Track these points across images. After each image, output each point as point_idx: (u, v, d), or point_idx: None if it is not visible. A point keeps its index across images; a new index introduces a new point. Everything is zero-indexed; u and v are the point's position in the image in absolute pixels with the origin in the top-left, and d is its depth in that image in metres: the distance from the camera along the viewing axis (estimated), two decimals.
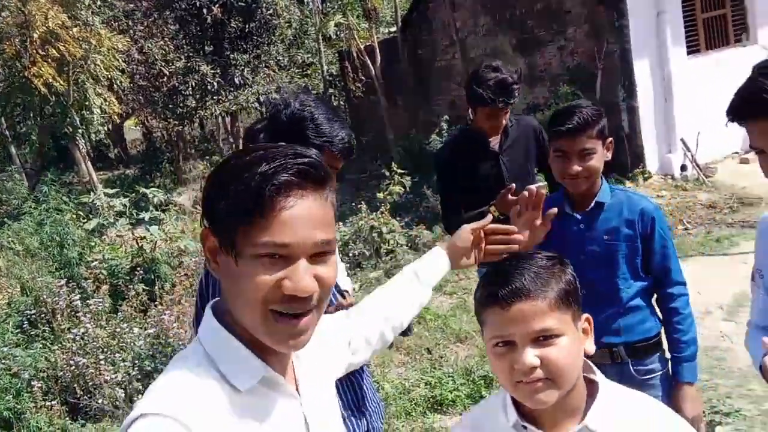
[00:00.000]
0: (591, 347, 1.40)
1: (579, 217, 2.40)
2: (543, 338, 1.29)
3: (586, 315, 1.41)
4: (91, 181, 13.09)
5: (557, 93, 9.35)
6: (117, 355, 5.47)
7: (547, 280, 1.32)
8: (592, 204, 2.37)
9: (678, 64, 9.04)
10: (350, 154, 2.15)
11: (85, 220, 8.40)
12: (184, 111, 15.39)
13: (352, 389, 2.25)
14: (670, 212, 7.77)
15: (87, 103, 12.14)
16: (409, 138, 11.92)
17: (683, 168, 8.97)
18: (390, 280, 1.76)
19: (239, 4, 14.41)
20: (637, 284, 2.38)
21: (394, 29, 14.54)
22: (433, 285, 1.75)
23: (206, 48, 15.06)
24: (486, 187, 3.35)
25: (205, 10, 14.28)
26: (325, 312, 1.74)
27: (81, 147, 13.07)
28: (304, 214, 1.05)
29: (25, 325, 6.21)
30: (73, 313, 6.02)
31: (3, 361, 5.37)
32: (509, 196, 3.00)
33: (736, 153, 9.53)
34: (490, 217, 2.00)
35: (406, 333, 2.14)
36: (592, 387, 1.39)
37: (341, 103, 15.89)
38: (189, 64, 14.44)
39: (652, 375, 2.41)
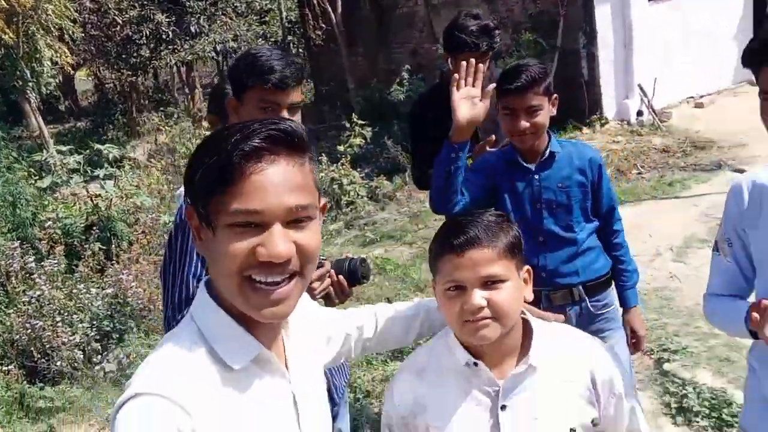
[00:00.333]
0: (530, 294, 1.56)
1: (533, 168, 2.50)
2: (490, 282, 1.45)
3: (527, 267, 1.57)
4: (42, 136, 12.71)
5: (519, 41, 9.28)
6: (74, 316, 5.42)
7: (496, 232, 1.48)
8: (546, 154, 2.48)
9: (639, 10, 9.04)
10: (281, 87, 2.07)
11: (38, 178, 8.20)
12: (138, 61, 14.96)
13: None
14: (625, 157, 7.87)
15: (38, 55, 11.70)
16: (370, 87, 11.76)
17: (639, 113, 9.06)
18: (396, 306, 1.71)
19: None
20: (589, 226, 2.54)
21: None
22: (432, 328, 1.69)
23: None
24: None
25: None
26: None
27: (32, 101, 12.65)
28: (275, 180, 1.04)
29: None
30: (27, 275, 5.90)
31: None
32: (488, 148, 3.01)
33: (692, 98, 9.64)
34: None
35: (362, 281, 2.12)
36: (527, 328, 1.56)
37: (300, 51, 15.58)
38: (143, 13, 13.97)
39: (609, 308, 2.60)
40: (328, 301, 2.15)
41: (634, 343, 2.66)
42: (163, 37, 14.00)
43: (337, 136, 9.66)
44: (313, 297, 2.04)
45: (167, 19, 13.80)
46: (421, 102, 3.74)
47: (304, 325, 1.32)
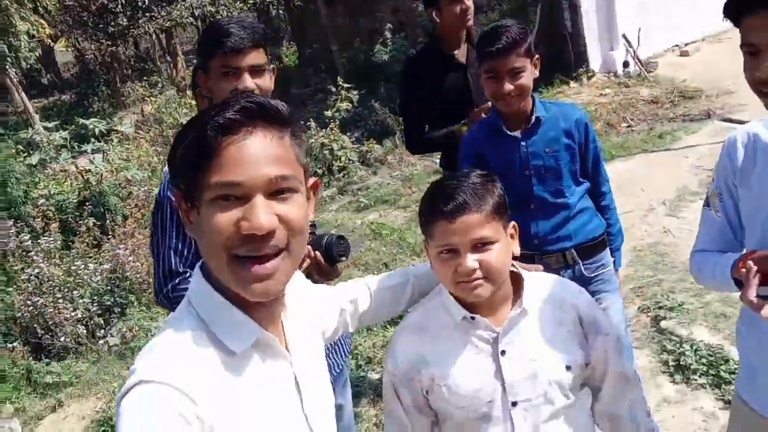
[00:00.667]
0: (517, 250, 1.63)
1: (519, 135, 2.45)
2: (481, 245, 1.51)
3: (512, 222, 1.62)
4: (26, 111, 12.58)
5: None
6: (75, 292, 5.46)
7: (483, 195, 1.53)
8: (532, 120, 2.43)
9: None
10: (237, 49, 2.05)
11: (26, 155, 8.14)
12: (116, 30, 14.69)
13: None
14: (614, 110, 7.89)
15: (13, 29, 11.49)
16: (354, 48, 11.64)
17: (625, 65, 9.03)
18: (383, 277, 1.74)
19: None
20: (579, 189, 2.52)
21: None
22: (422, 294, 1.73)
23: None
24: (452, 101, 3.25)
25: None
26: None
27: (11, 76, 12.46)
28: (253, 151, 1.03)
29: None
30: (24, 253, 5.92)
31: None
32: (483, 115, 2.95)
33: (677, 46, 9.62)
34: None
35: (339, 259, 2.06)
36: (517, 278, 1.65)
37: (280, 12, 15.35)
38: None
39: (604, 270, 2.57)
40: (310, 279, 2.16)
41: None
42: (140, 4, 13.74)
43: (324, 100, 9.60)
44: None
45: None
46: (410, 63, 3.67)
47: (301, 304, 1.31)
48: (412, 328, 1.66)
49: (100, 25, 14.71)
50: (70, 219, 6.71)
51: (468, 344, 1.59)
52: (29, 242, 5.95)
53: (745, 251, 1.67)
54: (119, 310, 5.47)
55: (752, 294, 1.43)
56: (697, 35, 9.66)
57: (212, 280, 1.13)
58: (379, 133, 8.43)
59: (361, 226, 6.39)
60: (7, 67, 11.93)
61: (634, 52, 9.00)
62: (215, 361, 1.08)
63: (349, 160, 7.75)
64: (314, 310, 1.41)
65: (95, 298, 5.45)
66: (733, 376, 3.20)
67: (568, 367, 1.59)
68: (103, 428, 4.26)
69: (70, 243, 6.23)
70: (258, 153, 1.04)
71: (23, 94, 12.92)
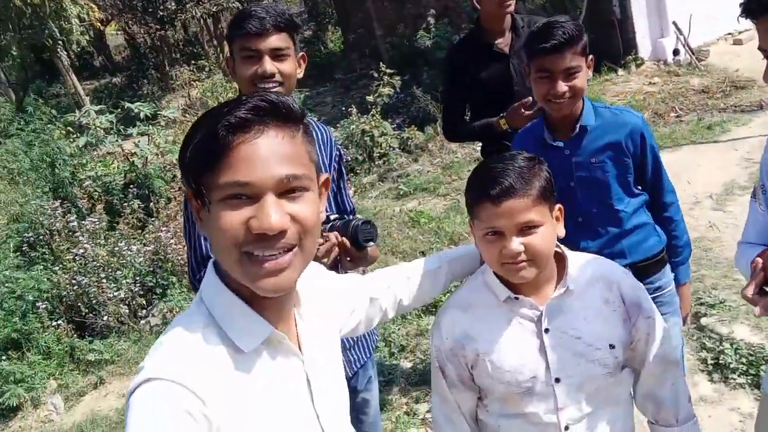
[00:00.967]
0: (562, 231, 1.64)
1: (562, 144, 2.30)
2: (526, 228, 1.53)
3: (558, 205, 1.63)
4: (77, 93, 12.87)
5: None
6: (118, 272, 5.59)
7: (529, 179, 1.54)
8: (576, 129, 2.28)
9: None
10: (260, 33, 2.05)
11: (75, 137, 8.33)
12: (165, 15, 14.90)
13: None
14: (663, 99, 7.69)
15: (64, 12, 11.75)
16: (398, 34, 11.56)
17: (676, 52, 8.78)
18: (418, 263, 1.75)
19: None
20: (633, 202, 2.34)
21: None
22: (455, 278, 1.78)
23: None
24: (494, 91, 3.22)
25: None
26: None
27: (63, 59, 12.76)
28: (264, 151, 1.03)
29: (24, 248, 6.30)
30: (70, 233, 6.08)
31: (6, 285, 5.48)
32: (522, 111, 2.96)
33: (729, 34, 9.30)
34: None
35: (364, 245, 2.00)
36: (560, 257, 1.67)
37: None
38: None
39: (663, 291, 2.40)
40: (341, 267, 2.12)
41: None
42: None
43: (367, 85, 9.57)
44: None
45: None
46: (452, 51, 3.65)
47: (316, 300, 1.31)
48: (457, 305, 1.71)
49: (149, 9, 14.93)
50: (115, 201, 6.86)
51: (512, 321, 1.63)
52: (75, 223, 6.09)
53: None
54: (161, 291, 5.58)
55: (749, 291, 1.51)
56: (752, 23, 9.29)
57: (224, 277, 1.13)
58: (420, 120, 8.38)
59: (400, 214, 6.37)
60: (59, 49, 12.23)
61: (685, 39, 8.74)
62: (224, 358, 1.09)
63: (390, 146, 7.72)
64: (330, 305, 1.40)
65: (138, 278, 5.57)
66: None
67: (611, 346, 1.61)
68: None
69: (115, 224, 6.36)
70: (269, 152, 1.03)
71: (74, 77, 13.21)
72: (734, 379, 3.27)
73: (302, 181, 1.07)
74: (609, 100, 7.46)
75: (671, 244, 2.43)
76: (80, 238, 5.87)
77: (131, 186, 6.97)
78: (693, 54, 8.68)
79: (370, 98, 8.24)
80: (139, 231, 6.32)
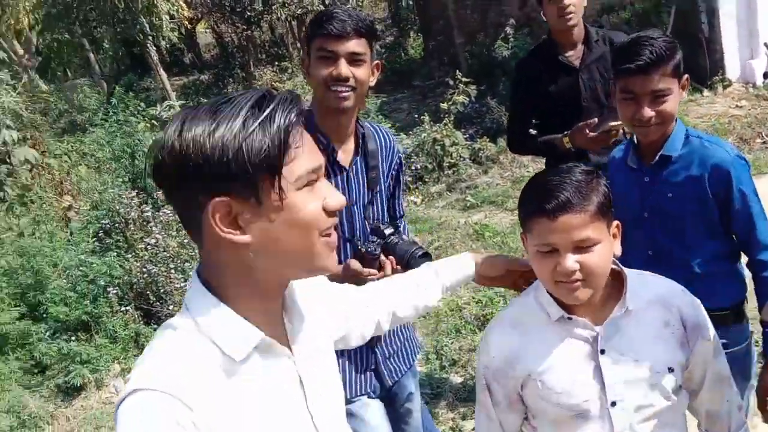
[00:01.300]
0: (618, 249, 1.56)
1: (643, 170, 2.15)
2: (583, 245, 1.46)
3: (616, 222, 1.55)
4: (164, 88, 13.33)
5: None
6: (186, 264, 5.74)
7: (587, 193, 1.46)
8: (657, 157, 2.10)
9: None
10: (340, 35, 2.06)
11: (157, 130, 8.63)
12: (252, 15, 15.26)
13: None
14: (749, 124, 7.34)
15: (155, 9, 12.20)
16: (478, 43, 11.47)
17: (766, 75, 8.36)
18: (410, 274, 1.76)
19: None
20: (713, 246, 2.13)
21: None
22: (449, 289, 1.75)
23: None
24: (561, 105, 3.16)
25: None
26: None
27: (153, 54, 13.24)
28: (310, 141, 1.13)
29: (101, 234, 6.57)
30: (145, 223, 6.29)
31: (80, 268, 5.73)
32: (587, 131, 2.89)
33: None
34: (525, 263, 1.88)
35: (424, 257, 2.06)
36: (618, 275, 1.59)
37: (409, 3, 15.36)
38: None
39: (732, 350, 2.07)
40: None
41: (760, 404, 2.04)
42: None
43: (443, 94, 9.53)
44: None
45: None
46: (521, 62, 3.60)
47: (309, 303, 1.30)
48: (506, 323, 1.67)
49: (237, 9, 15.31)
50: None
51: (565, 342, 1.57)
52: (150, 213, 6.31)
53: None
54: None
55: None
56: None
57: (210, 287, 1.13)
58: (494, 131, 8.27)
59: (465, 226, 6.32)
60: (149, 44, 12.71)
61: None
62: (214, 366, 1.09)
63: (461, 157, 7.66)
64: (321, 307, 1.39)
65: None
66: None
67: (670, 369, 1.56)
68: None
69: None
70: (311, 143, 1.16)
71: (162, 72, 13.68)
72: None
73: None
74: (691, 122, 7.18)
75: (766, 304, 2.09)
76: (153, 228, 6.07)
77: None
78: None
79: (443, 106, 8.20)
80: None
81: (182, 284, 5.50)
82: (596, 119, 2.91)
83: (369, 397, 2.30)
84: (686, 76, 2.09)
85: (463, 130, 8.20)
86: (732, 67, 8.46)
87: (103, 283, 5.51)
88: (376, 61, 2.22)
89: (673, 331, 1.57)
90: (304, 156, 1.09)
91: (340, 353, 2.12)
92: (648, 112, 2.01)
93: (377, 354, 2.30)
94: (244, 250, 1.09)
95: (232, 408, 1.08)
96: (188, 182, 1.06)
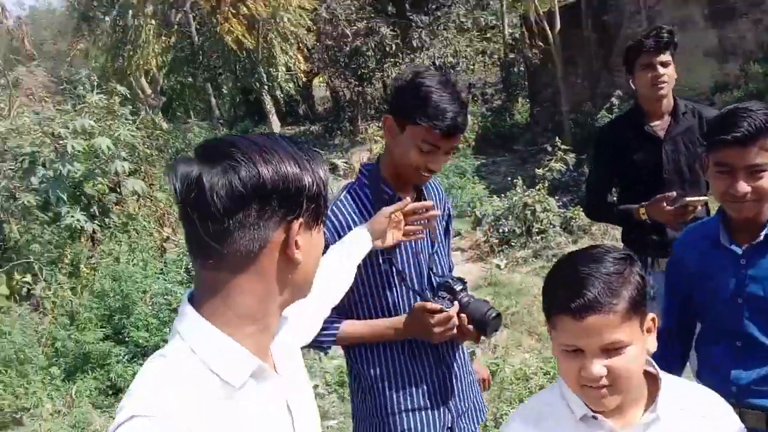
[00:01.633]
0: (653, 345, 1.43)
1: (740, 251, 1.97)
2: (612, 348, 1.33)
3: (651, 315, 1.42)
4: None
5: (747, 72, 8.42)
6: None
7: (617, 289, 1.33)
8: (761, 237, 1.93)
9: None
10: (451, 134, 1.99)
11: None
12: (365, 72, 15.77)
13: (437, 374, 2.18)
14: None
15: (274, 60, 12.86)
16: (583, 112, 11.32)
17: None
18: (324, 264, 1.82)
19: None
20: None
21: None
22: (357, 264, 1.93)
23: (388, 9, 15.24)
24: (642, 175, 3.08)
25: None
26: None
27: (267, 102, 13.90)
28: None
29: (190, 267, 6.82)
30: None
31: (165, 297, 5.96)
32: (664, 205, 2.80)
33: None
34: (407, 200, 2.02)
35: (487, 335, 2.08)
36: (652, 376, 1.46)
37: (520, 69, 15.43)
38: (370, 25, 14.73)
39: None
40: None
41: None
42: (387, 49, 14.62)
43: (542, 159, 9.43)
44: (432, 338, 2.05)
45: (392, 33, 14.40)
46: (604, 129, 3.61)
47: (289, 325, 1.31)
48: (526, 417, 1.56)
49: (351, 66, 15.88)
50: None
51: None
52: None
53: None
54: None
55: None
56: None
57: (202, 312, 1.13)
58: None
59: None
60: (264, 93, 13.37)
61: None
62: (210, 391, 1.08)
63: (551, 224, 7.48)
64: (297, 325, 1.40)
65: None
66: None
67: None
68: None
69: None
70: None
71: (275, 120, 14.33)
72: None
73: None
74: None
75: None
76: None
77: None
78: None
79: (539, 172, 8.09)
80: None
81: None
82: (675, 192, 2.82)
83: None
84: None
85: (557, 197, 8.04)
86: None
87: None
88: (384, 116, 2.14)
89: None
90: None
91: (419, 408, 2.14)
92: (744, 186, 1.87)
93: (451, 411, 2.22)
94: (287, 271, 1.14)
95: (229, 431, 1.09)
96: (267, 208, 1.09)
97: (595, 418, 1.42)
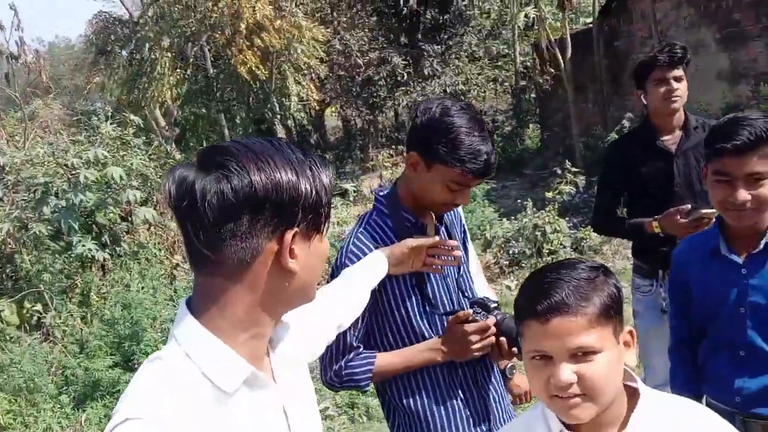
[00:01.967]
0: (632, 360, 1.36)
1: (740, 261, 1.98)
2: (581, 354, 1.27)
3: (629, 327, 1.36)
4: None
5: (758, 93, 8.41)
6: None
7: (586, 293, 1.28)
8: (761, 246, 1.94)
9: None
10: (483, 175, 1.96)
11: None
12: (376, 101, 15.90)
13: (474, 398, 2.15)
14: None
15: (286, 90, 12.99)
16: (593, 135, 11.33)
17: None
18: (335, 285, 1.83)
19: None
20: None
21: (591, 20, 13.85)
22: (372, 288, 1.90)
23: (401, 39, 15.41)
24: (652, 189, 3.11)
25: (401, 2, 14.62)
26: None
27: (277, 132, 14.02)
28: None
29: None
30: None
31: None
32: (678, 218, 2.80)
33: None
34: (436, 238, 1.99)
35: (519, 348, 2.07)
36: (633, 393, 1.38)
37: (531, 96, 15.49)
38: (382, 55, 14.88)
39: None
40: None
41: None
42: (399, 79, 14.74)
43: (552, 182, 9.42)
44: (469, 352, 2.01)
45: (403, 62, 14.53)
46: (614, 144, 3.64)
47: (290, 335, 1.30)
48: None
49: (363, 95, 16.02)
50: None
51: None
52: None
53: None
54: None
55: None
56: None
57: (199, 317, 1.13)
58: None
59: None
60: (276, 123, 13.48)
61: None
62: (202, 396, 1.09)
63: (561, 244, 7.44)
64: (298, 335, 1.38)
65: None
66: None
67: None
68: None
69: None
70: None
71: None
72: None
73: None
74: None
75: None
76: None
77: None
78: None
79: (549, 194, 8.08)
80: None
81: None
82: (689, 205, 2.83)
83: None
84: None
85: (567, 218, 8.02)
86: None
87: None
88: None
89: None
90: None
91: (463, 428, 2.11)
92: (743, 195, 1.88)
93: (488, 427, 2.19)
94: (282, 280, 1.14)
95: None
96: (259, 217, 1.09)
97: None
